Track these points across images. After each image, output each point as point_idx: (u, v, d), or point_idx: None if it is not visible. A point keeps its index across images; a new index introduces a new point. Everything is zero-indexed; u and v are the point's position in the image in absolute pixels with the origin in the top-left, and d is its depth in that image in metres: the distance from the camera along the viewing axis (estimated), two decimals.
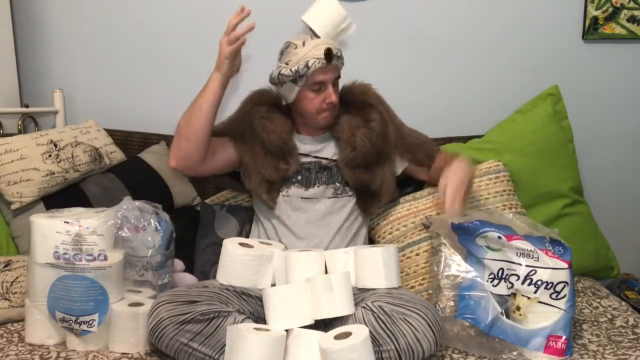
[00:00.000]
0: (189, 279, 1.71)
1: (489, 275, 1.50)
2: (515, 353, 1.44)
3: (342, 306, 1.41)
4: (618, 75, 2.18)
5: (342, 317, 1.42)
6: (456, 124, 2.16)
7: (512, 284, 1.49)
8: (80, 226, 1.46)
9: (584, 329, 1.58)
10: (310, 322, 1.42)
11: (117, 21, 2.16)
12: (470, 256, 1.53)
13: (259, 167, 1.71)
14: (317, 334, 1.37)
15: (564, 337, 1.45)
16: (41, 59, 2.19)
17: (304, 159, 1.74)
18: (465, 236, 1.55)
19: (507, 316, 1.47)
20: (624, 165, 2.24)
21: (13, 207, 1.77)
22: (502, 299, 1.49)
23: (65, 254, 1.44)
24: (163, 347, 1.36)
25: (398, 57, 2.17)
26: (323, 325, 1.44)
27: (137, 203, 1.57)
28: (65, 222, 1.46)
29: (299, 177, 1.72)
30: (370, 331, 1.32)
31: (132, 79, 2.19)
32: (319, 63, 1.60)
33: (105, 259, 1.46)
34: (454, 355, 1.45)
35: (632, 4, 2.12)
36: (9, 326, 1.57)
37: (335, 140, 1.76)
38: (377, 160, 1.74)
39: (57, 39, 2.18)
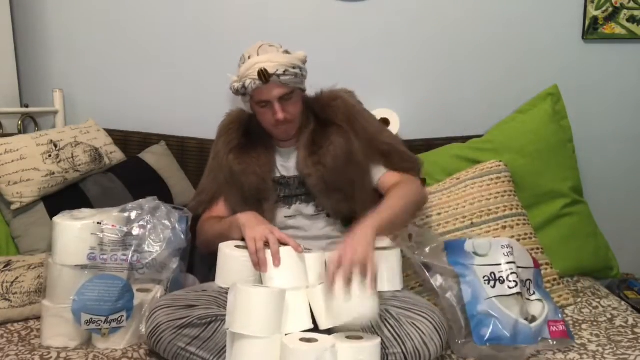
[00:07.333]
0: (189, 279, 1.71)
1: (484, 279, 1.50)
2: (530, 351, 1.44)
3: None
4: (618, 75, 2.18)
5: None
6: (456, 124, 2.16)
7: (517, 283, 1.49)
8: (113, 226, 1.49)
9: (583, 329, 1.58)
10: (310, 326, 1.40)
11: (117, 21, 2.16)
12: (458, 265, 1.53)
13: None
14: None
15: (561, 320, 1.48)
16: (41, 59, 2.19)
17: (284, 173, 1.71)
18: (454, 250, 1.55)
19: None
20: (623, 165, 2.24)
21: (13, 207, 1.77)
22: (509, 302, 1.46)
23: (102, 254, 1.48)
24: (161, 351, 1.36)
25: (397, 57, 2.16)
26: (328, 332, 1.41)
27: (154, 203, 1.58)
28: (97, 222, 1.48)
29: (281, 195, 1.68)
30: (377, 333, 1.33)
31: (133, 79, 2.19)
32: (254, 84, 1.54)
33: (139, 260, 1.50)
34: (454, 356, 1.45)
35: (632, 4, 2.12)
36: (9, 326, 1.57)
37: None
38: (350, 182, 1.64)
39: (57, 39, 2.17)
